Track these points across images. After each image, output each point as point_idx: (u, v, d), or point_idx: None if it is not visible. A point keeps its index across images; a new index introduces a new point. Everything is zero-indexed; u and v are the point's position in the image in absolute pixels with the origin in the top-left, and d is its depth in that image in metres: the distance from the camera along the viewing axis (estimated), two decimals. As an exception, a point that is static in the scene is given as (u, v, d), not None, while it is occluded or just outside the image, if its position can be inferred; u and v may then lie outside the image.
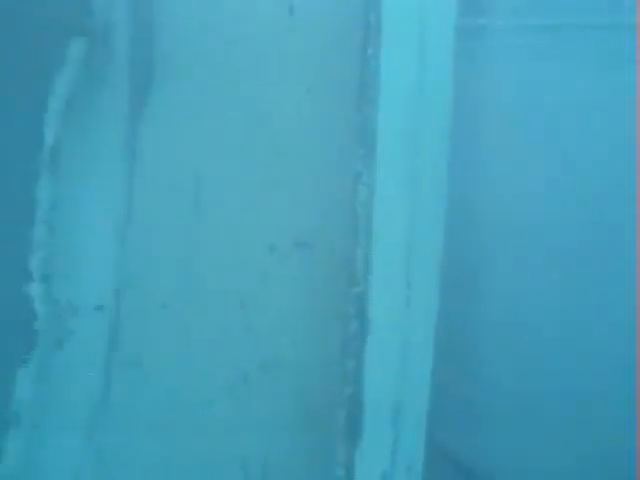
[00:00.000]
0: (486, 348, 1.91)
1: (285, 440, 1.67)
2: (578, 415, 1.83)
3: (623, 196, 1.82)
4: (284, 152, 1.68)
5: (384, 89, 1.45)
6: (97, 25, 1.75)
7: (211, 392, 1.69)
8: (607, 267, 1.84)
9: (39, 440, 1.64)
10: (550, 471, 1.83)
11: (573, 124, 1.87)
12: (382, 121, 1.48)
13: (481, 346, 1.90)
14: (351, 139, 1.56)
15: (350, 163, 1.58)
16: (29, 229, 1.70)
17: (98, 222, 1.76)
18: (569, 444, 1.82)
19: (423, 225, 1.55)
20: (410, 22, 1.54)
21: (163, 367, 1.72)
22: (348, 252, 1.59)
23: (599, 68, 1.86)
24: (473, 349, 1.90)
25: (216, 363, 1.69)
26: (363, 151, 1.53)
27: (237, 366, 1.70)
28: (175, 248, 1.76)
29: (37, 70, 1.71)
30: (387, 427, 1.59)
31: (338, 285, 1.62)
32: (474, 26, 1.92)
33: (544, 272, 1.89)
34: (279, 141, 1.69)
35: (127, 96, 1.79)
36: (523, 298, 1.90)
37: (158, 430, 1.68)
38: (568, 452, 1.81)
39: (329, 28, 1.66)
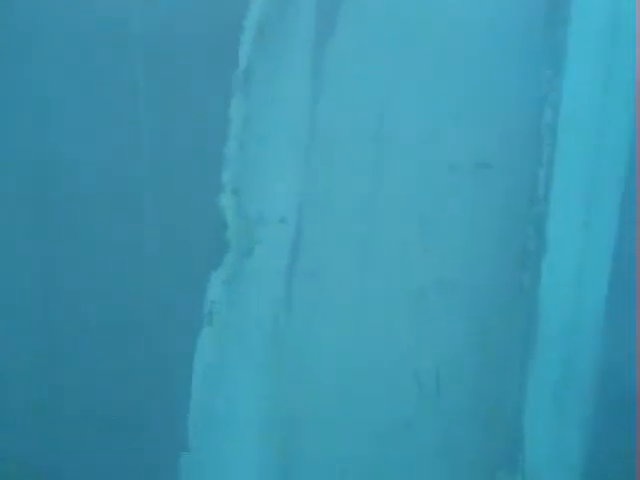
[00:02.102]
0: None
1: (458, 355, 1.75)
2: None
3: None
4: (468, 77, 1.74)
5: (576, 9, 1.49)
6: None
7: (387, 306, 1.79)
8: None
9: (229, 338, 1.78)
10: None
11: None
12: (572, 42, 1.52)
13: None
14: (537, 60, 1.60)
15: (534, 85, 1.62)
16: (223, 145, 1.83)
17: (284, 141, 1.87)
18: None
19: (609, 149, 1.58)
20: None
21: (342, 279, 1.82)
22: (528, 174, 1.64)
23: None
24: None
25: (393, 279, 1.78)
26: (550, 72, 1.57)
27: (414, 283, 1.78)
28: (355, 169, 1.85)
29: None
30: (560, 343, 1.66)
31: (517, 206, 1.68)
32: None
33: None
34: (464, 68, 1.75)
35: (314, 22, 1.88)
36: None
37: (336, 336, 1.79)
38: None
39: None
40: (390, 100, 1.85)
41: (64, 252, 1.88)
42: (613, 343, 1.70)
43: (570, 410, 1.69)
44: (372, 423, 1.77)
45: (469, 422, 1.67)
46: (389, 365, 1.77)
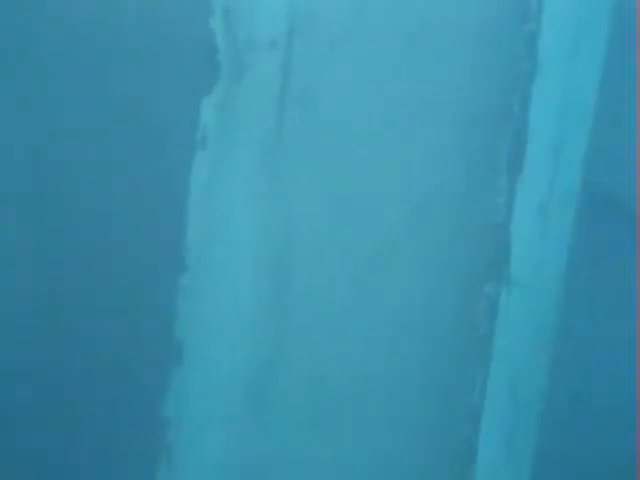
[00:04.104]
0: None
1: (445, 174, 1.79)
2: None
3: None
4: None
5: None
6: None
7: (379, 123, 1.81)
8: None
9: (222, 161, 1.81)
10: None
11: None
12: None
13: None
14: None
15: None
16: None
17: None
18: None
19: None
20: None
21: (333, 105, 1.84)
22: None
23: None
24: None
25: (388, 98, 1.80)
26: None
27: (406, 104, 1.81)
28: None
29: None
30: (547, 161, 1.71)
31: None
32: None
33: None
34: None
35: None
36: None
37: (323, 160, 1.83)
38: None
39: None
40: None
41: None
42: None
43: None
44: (360, 245, 1.83)
45: (458, 237, 1.74)
46: (379, 186, 1.82)
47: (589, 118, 1.72)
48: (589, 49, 1.71)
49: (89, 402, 1.92)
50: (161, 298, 1.84)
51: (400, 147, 1.78)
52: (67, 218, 1.96)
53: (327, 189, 1.82)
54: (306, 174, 1.85)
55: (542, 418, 1.75)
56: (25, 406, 1.94)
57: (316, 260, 1.82)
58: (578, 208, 1.76)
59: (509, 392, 1.70)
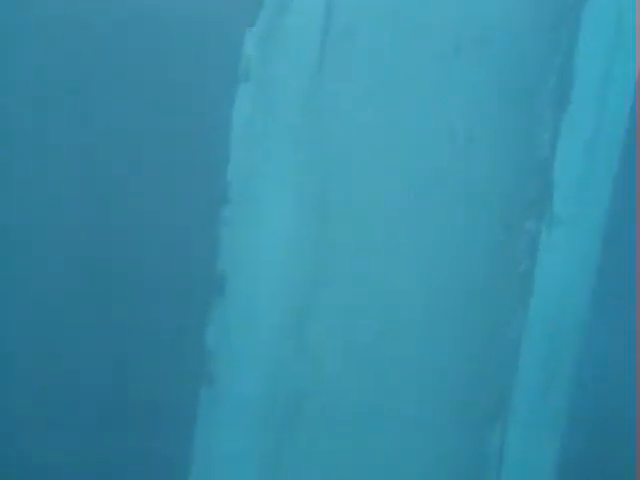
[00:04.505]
0: None
1: (489, 108, 1.78)
2: None
3: None
4: None
5: None
6: None
7: (419, 66, 1.80)
8: None
9: (263, 94, 1.82)
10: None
11: None
12: None
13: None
14: None
15: None
16: None
17: None
18: None
19: None
20: None
21: (375, 41, 1.83)
22: None
23: None
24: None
25: (429, 32, 1.78)
26: None
27: (448, 40, 1.79)
28: None
29: None
30: (595, 97, 1.69)
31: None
32: None
33: None
34: None
35: None
36: None
37: (361, 103, 1.82)
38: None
39: None
40: None
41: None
42: None
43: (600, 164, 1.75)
44: (402, 180, 1.83)
45: (501, 172, 1.73)
46: (422, 121, 1.81)
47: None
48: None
49: (134, 329, 1.96)
50: (203, 231, 1.86)
51: (443, 82, 1.77)
52: (113, 152, 1.98)
53: (368, 125, 1.82)
54: (347, 109, 1.84)
55: (582, 354, 1.76)
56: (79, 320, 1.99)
57: (356, 194, 1.82)
58: (624, 145, 1.74)
59: (549, 329, 1.71)
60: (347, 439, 1.81)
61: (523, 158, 1.70)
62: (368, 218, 1.83)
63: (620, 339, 1.93)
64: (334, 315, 1.80)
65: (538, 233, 1.67)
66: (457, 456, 1.82)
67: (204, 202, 1.87)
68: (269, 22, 1.80)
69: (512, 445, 1.78)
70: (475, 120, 1.76)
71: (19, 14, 1.94)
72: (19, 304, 2.00)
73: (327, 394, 1.82)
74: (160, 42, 1.96)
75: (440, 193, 1.77)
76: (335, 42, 1.84)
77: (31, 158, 1.99)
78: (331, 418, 1.83)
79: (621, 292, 1.90)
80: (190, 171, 1.92)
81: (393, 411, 1.82)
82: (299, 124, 1.84)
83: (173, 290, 1.93)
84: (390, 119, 1.82)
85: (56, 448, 1.99)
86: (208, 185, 1.84)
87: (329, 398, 1.83)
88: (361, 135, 1.83)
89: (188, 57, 1.92)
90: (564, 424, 1.85)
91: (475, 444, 1.80)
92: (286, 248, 1.81)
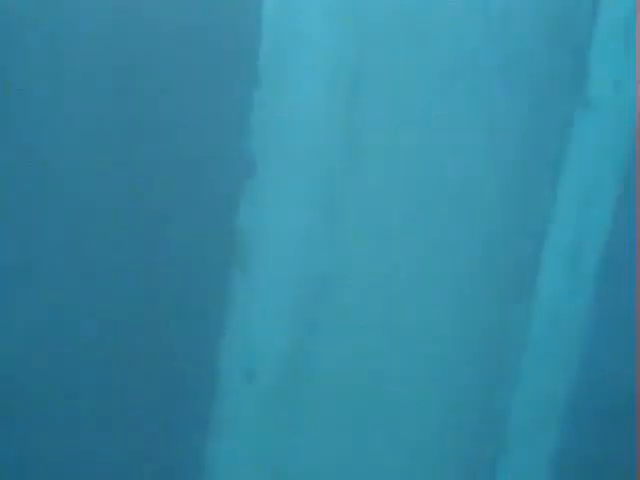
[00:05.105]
0: None
1: None
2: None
3: None
4: None
5: None
6: None
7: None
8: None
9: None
10: None
11: None
12: None
13: None
14: None
15: None
16: None
17: None
18: None
19: None
20: None
21: None
22: None
23: None
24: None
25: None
26: None
27: None
28: None
29: None
30: None
31: None
32: None
33: None
34: None
35: None
36: None
37: None
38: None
39: None
40: None
41: None
42: None
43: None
44: (433, 66, 1.82)
45: (534, 52, 1.72)
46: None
47: None
48: None
49: (166, 212, 1.98)
50: (235, 112, 1.86)
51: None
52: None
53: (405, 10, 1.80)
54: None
55: (610, 235, 1.78)
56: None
57: (389, 82, 1.82)
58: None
59: (577, 210, 1.73)
60: (378, 317, 1.85)
61: (558, 39, 1.69)
62: (400, 102, 1.82)
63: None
64: (366, 195, 1.82)
65: (571, 115, 1.68)
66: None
67: (236, 85, 1.87)
68: None
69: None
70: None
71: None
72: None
73: (357, 277, 1.86)
74: None
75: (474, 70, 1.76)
76: None
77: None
78: (359, 301, 1.87)
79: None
80: (222, 54, 1.91)
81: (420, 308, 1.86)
82: (334, 5, 1.82)
83: (204, 173, 1.95)
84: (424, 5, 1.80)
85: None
86: (241, 67, 1.83)
87: (358, 282, 1.86)
88: (395, 20, 1.82)
89: None
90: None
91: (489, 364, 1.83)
92: (317, 130, 1.81)
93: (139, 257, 2.00)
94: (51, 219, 1.99)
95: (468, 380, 1.81)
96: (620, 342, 1.91)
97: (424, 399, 1.83)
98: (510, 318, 1.77)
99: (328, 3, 1.79)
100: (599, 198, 1.76)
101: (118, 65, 1.95)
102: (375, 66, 1.81)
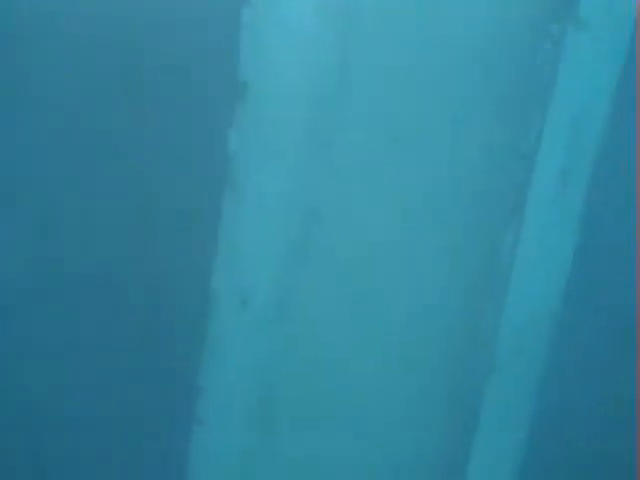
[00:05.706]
0: None
1: None
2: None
3: None
4: None
5: None
6: None
7: None
8: None
9: None
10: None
11: None
12: None
13: None
14: None
15: None
16: None
17: None
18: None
19: None
20: None
21: None
22: None
23: None
24: None
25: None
26: None
27: None
28: None
29: None
30: None
31: None
32: None
33: None
34: None
35: None
36: None
37: None
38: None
39: None
40: None
41: None
42: None
43: None
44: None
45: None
46: None
47: None
48: None
49: (157, 137, 1.98)
50: (225, 35, 1.84)
51: None
52: None
53: None
54: None
55: (601, 156, 1.77)
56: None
57: (384, 3, 1.79)
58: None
59: (567, 135, 1.72)
60: (369, 242, 1.86)
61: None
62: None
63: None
64: (360, 120, 1.81)
65: (562, 36, 1.65)
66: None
67: (225, 5, 1.85)
68: None
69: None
70: None
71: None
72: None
73: (348, 204, 1.86)
74: None
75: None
76: None
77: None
78: (350, 229, 1.88)
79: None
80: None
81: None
82: None
83: (195, 97, 1.94)
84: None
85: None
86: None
87: (350, 208, 1.87)
88: None
89: None
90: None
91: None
92: (306, 50, 1.79)
93: (133, 178, 2.01)
94: (41, 137, 1.99)
95: (459, 304, 1.83)
96: (607, 264, 1.92)
97: (414, 321, 1.85)
98: (500, 242, 1.78)
99: None
100: (590, 119, 1.75)
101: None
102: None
